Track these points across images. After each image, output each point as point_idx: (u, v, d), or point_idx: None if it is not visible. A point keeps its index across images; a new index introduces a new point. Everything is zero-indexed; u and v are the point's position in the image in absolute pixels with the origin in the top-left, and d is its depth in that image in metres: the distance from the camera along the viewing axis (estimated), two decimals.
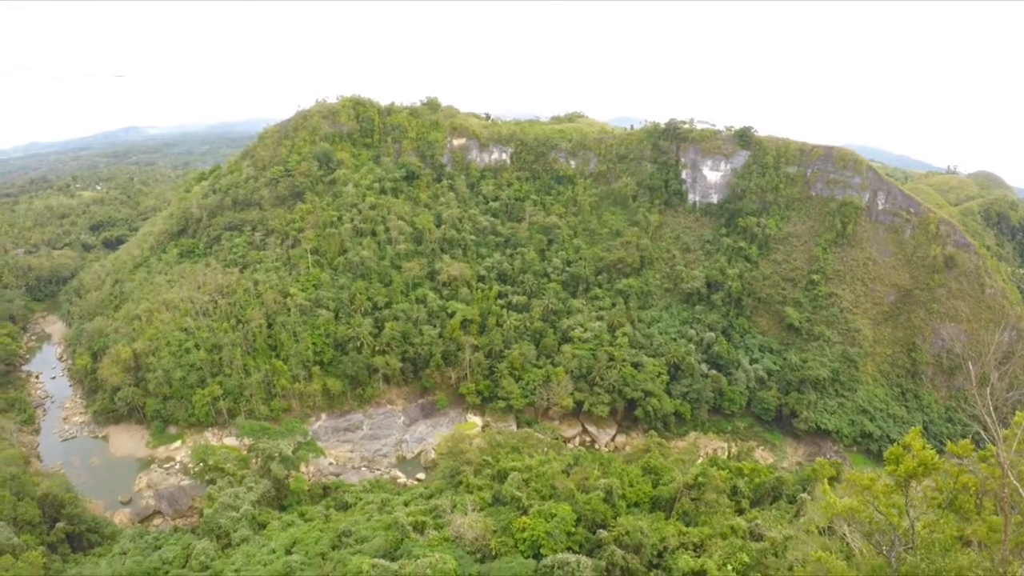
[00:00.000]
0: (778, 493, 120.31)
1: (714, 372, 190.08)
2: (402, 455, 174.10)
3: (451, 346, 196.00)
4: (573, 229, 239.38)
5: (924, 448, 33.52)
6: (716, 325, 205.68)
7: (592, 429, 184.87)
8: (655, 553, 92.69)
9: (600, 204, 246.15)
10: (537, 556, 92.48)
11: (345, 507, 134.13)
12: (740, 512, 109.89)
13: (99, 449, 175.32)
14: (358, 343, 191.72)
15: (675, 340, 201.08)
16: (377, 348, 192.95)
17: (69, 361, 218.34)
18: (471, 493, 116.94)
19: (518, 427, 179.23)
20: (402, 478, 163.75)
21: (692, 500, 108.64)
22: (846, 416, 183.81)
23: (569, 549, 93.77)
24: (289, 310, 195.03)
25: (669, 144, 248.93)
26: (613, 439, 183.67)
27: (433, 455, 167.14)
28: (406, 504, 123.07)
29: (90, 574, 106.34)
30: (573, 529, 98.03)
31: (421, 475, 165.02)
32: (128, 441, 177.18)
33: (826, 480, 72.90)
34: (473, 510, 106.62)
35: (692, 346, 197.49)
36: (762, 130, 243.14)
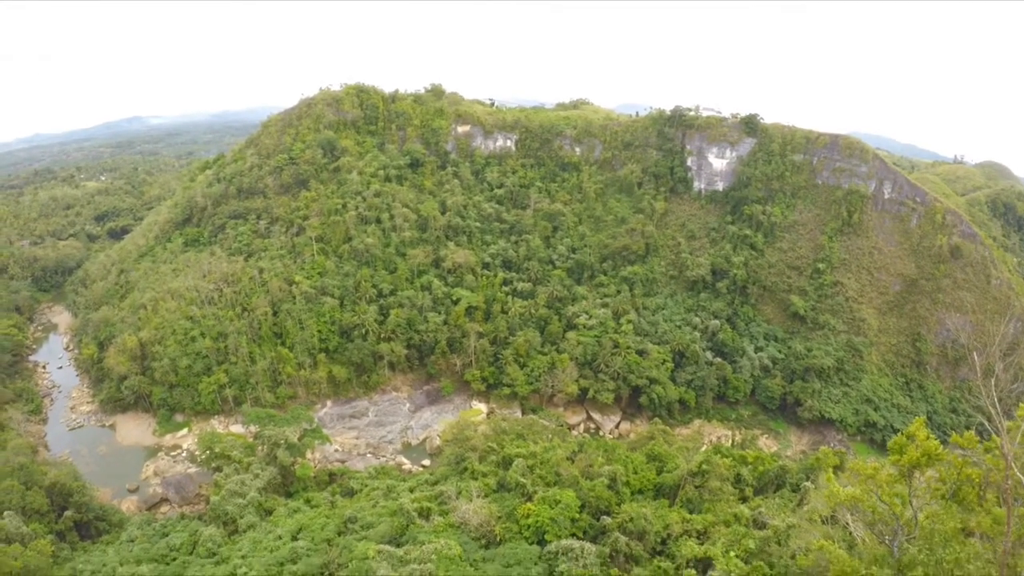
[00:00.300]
0: (781, 481, 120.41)
1: (719, 360, 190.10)
2: (407, 442, 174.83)
3: (456, 333, 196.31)
4: (578, 216, 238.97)
5: (928, 438, 33.58)
6: (721, 313, 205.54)
7: (596, 416, 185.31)
8: (659, 540, 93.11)
9: (605, 191, 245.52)
10: (541, 542, 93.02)
11: (351, 493, 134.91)
12: (744, 500, 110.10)
13: (106, 438, 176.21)
14: (363, 330, 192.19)
15: (680, 328, 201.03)
16: (382, 335, 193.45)
17: (75, 351, 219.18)
18: (476, 479, 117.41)
19: (523, 414, 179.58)
20: (407, 464, 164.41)
21: (696, 488, 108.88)
22: (850, 405, 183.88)
23: (573, 535, 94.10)
24: (294, 298, 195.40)
25: (674, 131, 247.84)
26: (617, 426, 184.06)
27: (438, 442, 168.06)
28: (411, 490, 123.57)
29: (98, 561, 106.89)
30: (577, 515, 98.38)
31: (426, 461, 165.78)
32: (135, 429, 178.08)
33: (830, 470, 73.11)
34: (478, 496, 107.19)
35: (697, 334, 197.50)
36: (768, 118, 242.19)
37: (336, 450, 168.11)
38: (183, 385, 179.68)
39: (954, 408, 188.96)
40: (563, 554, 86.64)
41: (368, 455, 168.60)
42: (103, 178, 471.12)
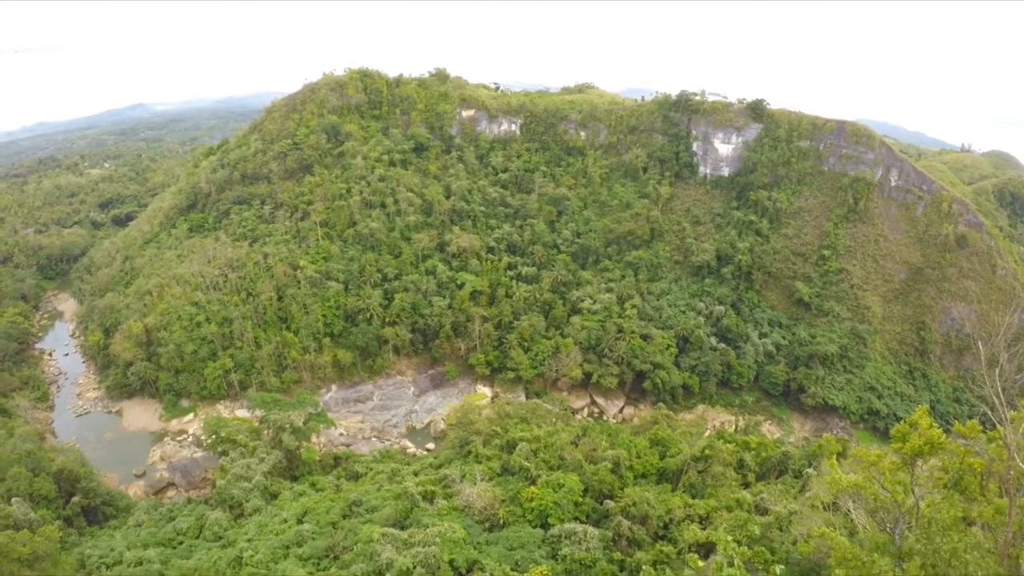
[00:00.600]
0: (784, 468, 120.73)
1: (723, 345, 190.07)
2: (412, 425, 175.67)
3: (460, 317, 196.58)
4: (583, 201, 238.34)
5: (931, 427, 33.60)
6: (726, 298, 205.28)
7: (600, 400, 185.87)
8: (661, 524, 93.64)
9: (610, 176, 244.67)
10: (545, 525, 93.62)
11: (356, 477, 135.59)
12: (746, 486, 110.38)
13: (113, 424, 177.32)
14: (368, 314, 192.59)
15: (684, 313, 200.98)
16: (387, 319, 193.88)
17: (81, 338, 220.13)
18: (480, 463, 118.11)
19: (527, 398, 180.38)
20: (412, 448, 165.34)
21: (699, 473, 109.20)
22: (853, 393, 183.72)
23: (576, 519, 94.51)
24: (299, 282, 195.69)
25: (680, 116, 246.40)
26: (621, 411, 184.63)
27: (442, 425, 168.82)
28: (416, 474, 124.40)
29: (106, 546, 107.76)
30: (581, 499, 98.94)
31: (431, 445, 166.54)
32: (141, 415, 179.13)
33: (832, 457, 73.24)
34: (482, 480, 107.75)
35: (701, 319, 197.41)
36: (774, 103, 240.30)
37: (341, 434, 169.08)
38: (189, 370, 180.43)
39: (957, 398, 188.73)
40: (566, 537, 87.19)
41: (373, 439, 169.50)
42: (107, 165, 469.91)
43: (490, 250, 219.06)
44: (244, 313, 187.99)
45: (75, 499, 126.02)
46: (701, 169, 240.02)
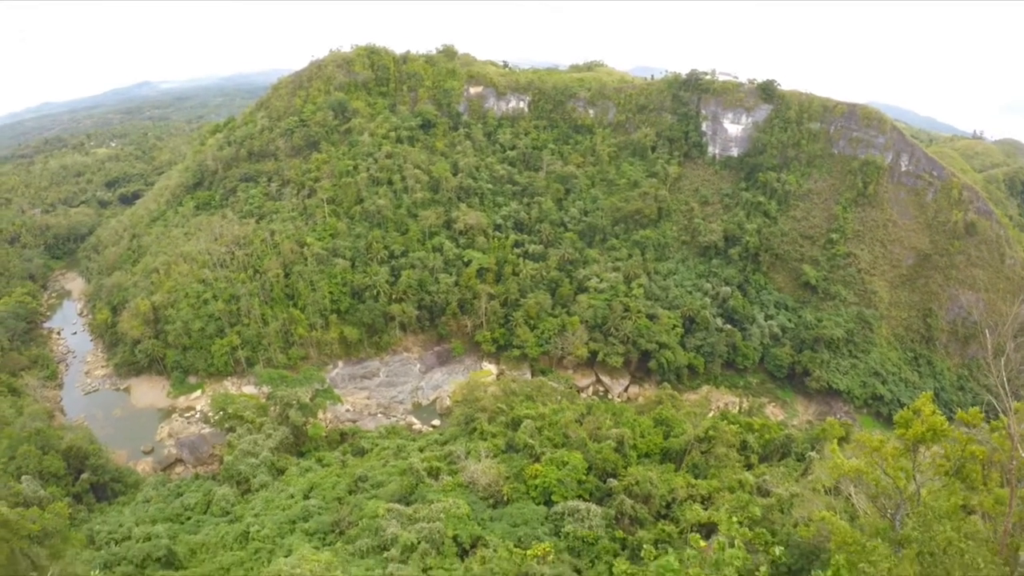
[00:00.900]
0: (787, 450, 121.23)
1: (729, 327, 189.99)
2: (418, 402, 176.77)
3: (467, 294, 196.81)
4: (591, 179, 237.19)
5: (934, 413, 33.64)
6: (732, 280, 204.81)
7: (606, 379, 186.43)
8: (664, 504, 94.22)
9: (618, 154, 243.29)
10: (548, 503, 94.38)
11: (361, 453, 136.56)
12: (749, 467, 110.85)
13: (121, 401, 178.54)
14: (375, 291, 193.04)
15: (691, 293, 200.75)
16: (394, 296, 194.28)
17: (89, 316, 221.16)
18: (485, 440, 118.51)
19: (532, 375, 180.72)
20: (417, 424, 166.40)
21: (702, 453, 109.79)
22: (858, 377, 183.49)
23: (580, 497, 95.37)
24: (306, 259, 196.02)
25: (690, 95, 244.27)
26: (626, 390, 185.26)
27: (448, 402, 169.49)
28: (421, 450, 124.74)
29: (115, 522, 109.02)
30: (584, 477, 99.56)
31: (436, 422, 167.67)
32: (149, 392, 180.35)
33: (835, 441, 73.42)
34: (487, 457, 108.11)
35: (708, 300, 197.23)
36: (785, 84, 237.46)
37: (347, 410, 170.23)
38: (196, 347, 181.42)
39: (961, 386, 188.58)
40: (569, 515, 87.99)
41: (379, 415, 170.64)
42: (113, 144, 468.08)
43: (497, 228, 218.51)
44: (251, 290, 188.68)
45: (84, 476, 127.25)
46: (710, 149, 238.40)
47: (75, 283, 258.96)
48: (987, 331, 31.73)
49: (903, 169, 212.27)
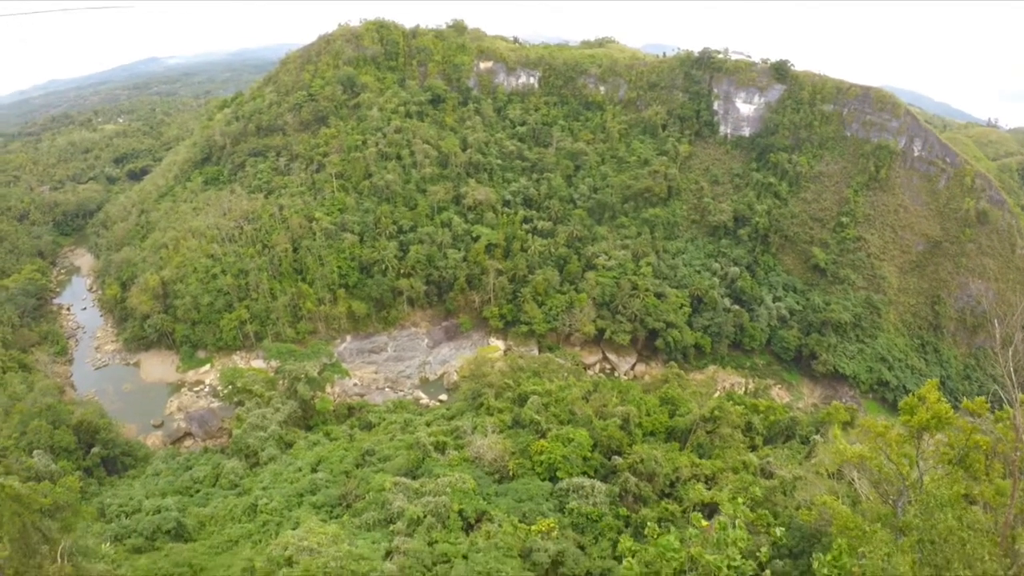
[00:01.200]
0: (791, 433, 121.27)
1: (736, 307, 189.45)
2: (425, 377, 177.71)
3: (475, 270, 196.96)
4: (601, 156, 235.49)
5: (939, 401, 33.67)
6: (741, 260, 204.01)
7: (612, 357, 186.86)
8: (667, 483, 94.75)
9: (629, 132, 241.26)
10: (553, 479, 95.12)
11: (369, 427, 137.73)
12: (753, 448, 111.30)
13: (131, 375, 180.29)
14: (383, 266, 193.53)
15: (699, 273, 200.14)
16: (402, 271, 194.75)
17: (99, 292, 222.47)
18: (491, 415, 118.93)
19: (540, 352, 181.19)
20: (425, 399, 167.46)
21: (707, 433, 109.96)
22: (864, 362, 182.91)
23: (584, 473, 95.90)
24: (314, 234, 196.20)
25: (702, 74, 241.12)
26: (633, 368, 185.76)
27: (455, 377, 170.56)
28: (428, 425, 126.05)
29: (125, 495, 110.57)
30: (589, 454, 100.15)
31: (443, 396, 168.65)
32: (159, 366, 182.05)
33: (839, 426, 73.72)
34: (493, 432, 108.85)
35: (716, 280, 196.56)
36: (799, 64, 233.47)
37: (355, 384, 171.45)
38: (205, 322, 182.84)
39: (968, 375, 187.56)
40: (574, 491, 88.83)
41: (386, 389, 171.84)
42: (121, 120, 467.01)
43: (506, 203, 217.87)
44: (259, 265, 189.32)
45: (95, 450, 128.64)
46: (721, 128, 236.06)
47: (84, 259, 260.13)
48: (996, 321, 31.72)
49: (916, 154, 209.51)
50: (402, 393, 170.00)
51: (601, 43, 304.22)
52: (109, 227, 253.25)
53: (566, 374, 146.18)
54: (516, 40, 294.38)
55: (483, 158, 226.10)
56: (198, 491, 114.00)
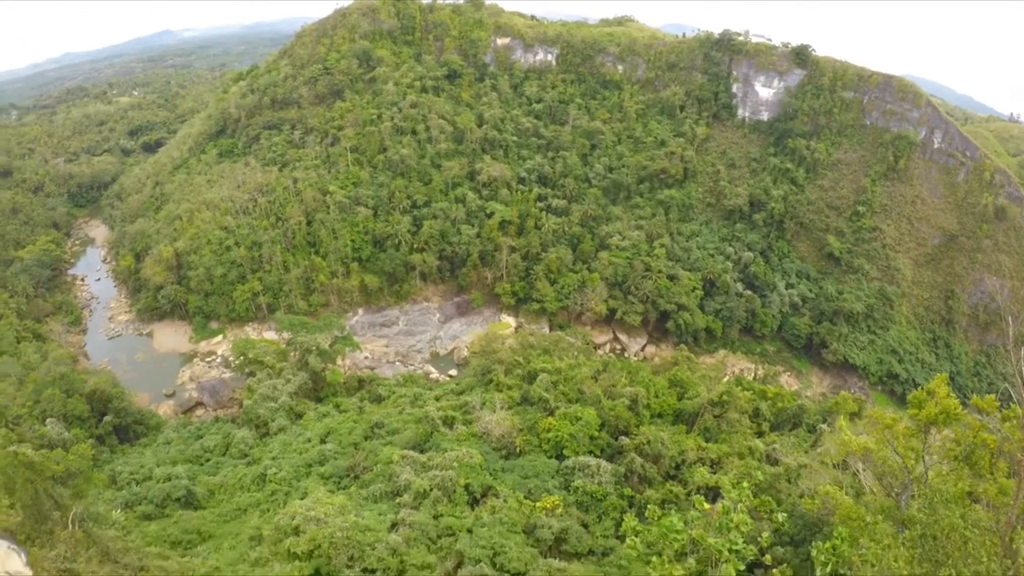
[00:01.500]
0: (798, 420, 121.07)
1: (749, 292, 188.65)
2: (436, 351, 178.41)
3: (488, 246, 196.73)
4: (617, 135, 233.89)
5: (948, 396, 33.60)
6: (755, 245, 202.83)
7: (623, 337, 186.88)
8: (673, 465, 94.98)
9: (646, 112, 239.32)
10: (560, 457, 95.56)
11: (379, 400, 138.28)
12: (759, 435, 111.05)
13: (144, 345, 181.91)
14: (396, 240, 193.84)
15: (713, 256, 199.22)
16: (415, 246, 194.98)
17: (113, 263, 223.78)
18: (500, 392, 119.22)
19: (550, 330, 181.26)
20: (434, 374, 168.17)
21: (714, 417, 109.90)
22: (875, 354, 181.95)
23: (591, 452, 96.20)
24: (328, 207, 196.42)
25: (721, 56, 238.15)
26: (643, 349, 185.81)
27: (466, 353, 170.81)
28: (437, 399, 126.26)
29: (136, 463, 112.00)
30: (596, 434, 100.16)
31: (453, 371, 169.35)
32: (171, 337, 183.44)
33: (846, 416, 73.47)
34: (501, 408, 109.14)
35: (729, 264, 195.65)
36: (820, 49, 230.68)
37: (366, 357, 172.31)
38: (218, 293, 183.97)
39: (977, 372, 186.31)
40: (579, 470, 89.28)
41: (397, 363, 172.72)
42: (136, 93, 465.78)
43: (521, 180, 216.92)
44: (273, 237, 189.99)
45: (107, 418, 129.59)
46: (740, 112, 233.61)
47: (98, 231, 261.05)
48: (1010, 318, 31.54)
49: (936, 146, 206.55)
50: (412, 367, 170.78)
51: (620, 22, 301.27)
52: (123, 199, 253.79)
53: (576, 353, 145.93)
54: (533, 17, 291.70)
55: (499, 134, 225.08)
56: (208, 460, 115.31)
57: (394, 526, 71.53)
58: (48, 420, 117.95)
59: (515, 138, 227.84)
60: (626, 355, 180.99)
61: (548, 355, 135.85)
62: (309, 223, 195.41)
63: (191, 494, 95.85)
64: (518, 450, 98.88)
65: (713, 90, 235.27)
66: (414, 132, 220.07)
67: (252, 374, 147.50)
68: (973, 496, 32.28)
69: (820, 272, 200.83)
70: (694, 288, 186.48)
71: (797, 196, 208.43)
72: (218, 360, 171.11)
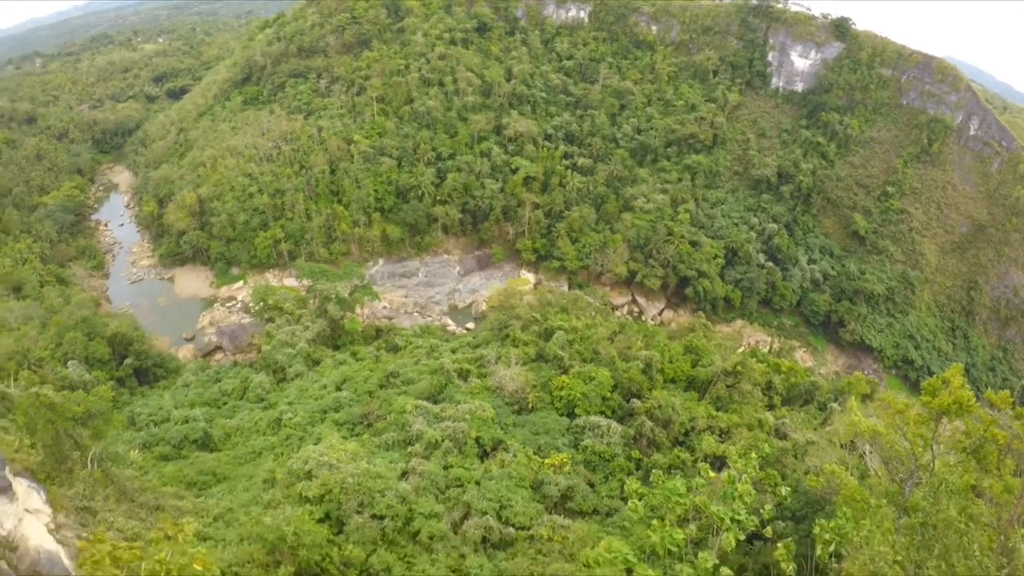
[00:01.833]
0: (810, 397, 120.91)
1: (770, 264, 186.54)
2: (454, 304, 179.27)
3: (512, 202, 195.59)
4: (647, 97, 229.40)
5: (963, 387, 33.43)
6: (780, 218, 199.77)
7: (641, 300, 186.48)
8: (682, 431, 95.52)
9: (678, 75, 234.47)
10: (571, 415, 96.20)
11: (395, 350, 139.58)
12: (770, 408, 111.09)
13: (165, 290, 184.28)
14: (419, 192, 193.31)
15: (736, 225, 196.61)
16: (438, 198, 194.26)
17: (136, 208, 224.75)
18: (516, 347, 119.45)
19: (569, 288, 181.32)
20: (452, 326, 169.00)
21: (727, 387, 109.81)
22: (892, 337, 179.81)
23: (602, 413, 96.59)
24: (352, 157, 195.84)
25: (758, 22, 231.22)
26: (660, 313, 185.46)
27: (484, 307, 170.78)
28: (453, 351, 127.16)
29: (155, 405, 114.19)
30: (609, 394, 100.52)
31: (470, 325, 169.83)
32: (193, 282, 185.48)
33: (858, 397, 73.33)
34: (516, 363, 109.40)
35: (753, 234, 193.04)
36: (860, 23, 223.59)
37: (384, 307, 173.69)
38: (240, 240, 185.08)
39: (993, 367, 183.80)
40: (590, 429, 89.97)
41: (415, 314, 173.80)
42: (161, 40, 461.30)
43: (547, 137, 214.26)
44: (296, 185, 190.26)
45: (128, 361, 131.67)
46: (774, 81, 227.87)
47: (122, 176, 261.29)
48: None
49: (971, 133, 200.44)
50: (430, 319, 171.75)
51: None
52: (148, 145, 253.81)
53: (594, 313, 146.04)
54: None
55: (527, 90, 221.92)
56: (225, 403, 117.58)
57: (404, 475, 72.59)
58: (70, 362, 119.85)
59: (543, 94, 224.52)
60: (643, 318, 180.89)
61: (566, 313, 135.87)
62: (333, 172, 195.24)
63: (208, 436, 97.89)
64: (530, 406, 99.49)
65: (748, 57, 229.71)
66: (441, 84, 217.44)
67: (271, 320, 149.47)
68: (977, 491, 32.38)
69: (844, 250, 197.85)
70: (716, 256, 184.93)
71: (826, 171, 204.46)
72: (238, 305, 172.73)
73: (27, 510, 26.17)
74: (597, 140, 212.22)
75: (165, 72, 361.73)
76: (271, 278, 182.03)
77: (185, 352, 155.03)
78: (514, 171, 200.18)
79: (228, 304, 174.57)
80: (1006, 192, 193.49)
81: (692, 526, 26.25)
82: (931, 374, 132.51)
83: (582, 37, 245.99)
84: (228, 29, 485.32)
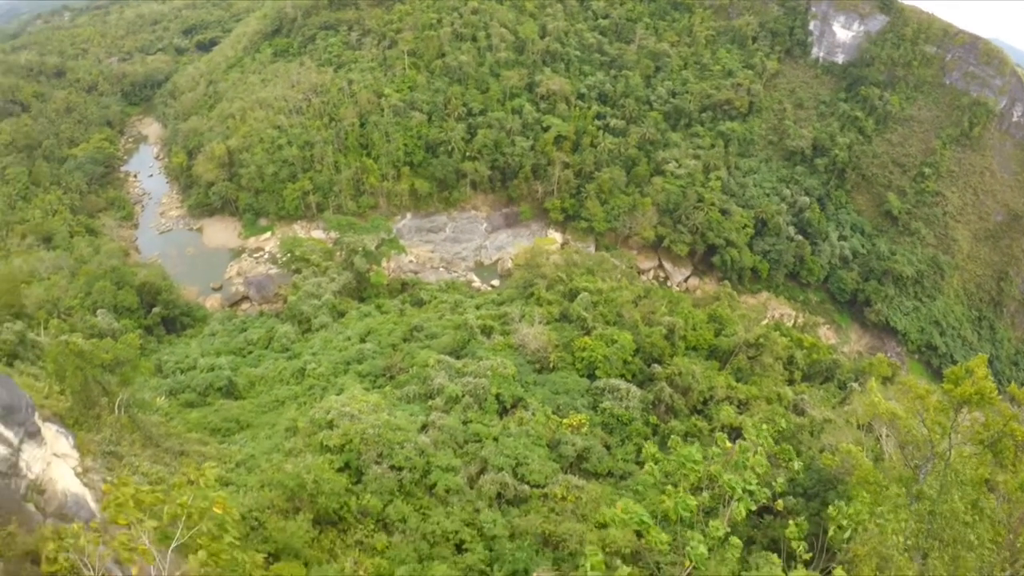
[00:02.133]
0: (831, 375, 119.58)
1: (800, 238, 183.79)
2: (480, 261, 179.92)
3: (542, 160, 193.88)
4: (684, 60, 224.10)
5: (986, 378, 33.20)
6: (813, 191, 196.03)
7: (668, 266, 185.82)
8: (701, 400, 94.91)
9: (716, 39, 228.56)
10: (591, 376, 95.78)
11: (420, 304, 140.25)
12: (790, 383, 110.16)
13: (193, 240, 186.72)
14: (449, 147, 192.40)
15: (768, 196, 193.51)
16: (468, 154, 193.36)
17: (165, 160, 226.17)
18: (540, 306, 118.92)
19: (596, 250, 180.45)
20: (477, 283, 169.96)
21: (749, 358, 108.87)
22: (918, 321, 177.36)
23: (622, 376, 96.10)
24: (382, 110, 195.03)
25: None
26: (686, 280, 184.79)
27: (510, 264, 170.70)
28: (477, 308, 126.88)
29: (182, 353, 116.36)
30: (630, 358, 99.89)
31: (495, 282, 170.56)
32: (221, 232, 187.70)
33: (879, 379, 72.65)
34: (540, 322, 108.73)
35: (784, 206, 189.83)
36: None
37: (411, 261, 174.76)
38: (268, 191, 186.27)
39: (1016, 361, 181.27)
40: (609, 392, 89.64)
41: (441, 269, 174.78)
42: None
43: (580, 96, 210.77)
44: (325, 138, 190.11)
45: (155, 310, 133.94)
46: (814, 51, 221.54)
47: (151, 128, 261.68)
48: None
49: (1014, 119, 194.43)
50: (456, 274, 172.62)
51: None
52: (177, 97, 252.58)
53: (619, 276, 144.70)
54: None
55: (561, 48, 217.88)
56: (251, 352, 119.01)
57: (424, 428, 73.22)
58: (99, 311, 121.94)
59: (578, 53, 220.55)
60: (669, 284, 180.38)
61: (591, 275, 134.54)
62: (362, 125, 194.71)
63: (232, 384, 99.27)
64: (551, 365, 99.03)
65: (788, 24, 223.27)
66: (474, 39, 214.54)
67: (298, 271, 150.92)
68: (991, 485, 32.53)
69: (875, 229, 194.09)
70: (745, 225, 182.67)
71: (863, 147, 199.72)
72: (265, 256, 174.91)
73: (55, 454, 27.07)
74: (630, 101, 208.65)
75: (194, 24, 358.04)
76: (299, 230, 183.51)
77: (212, 302, 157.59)
78: (545, 129, 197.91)
79: (256, 255, 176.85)
80: None
81: (705, 494, 26.73)
82: (954, 362, 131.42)
83: None
84: None
